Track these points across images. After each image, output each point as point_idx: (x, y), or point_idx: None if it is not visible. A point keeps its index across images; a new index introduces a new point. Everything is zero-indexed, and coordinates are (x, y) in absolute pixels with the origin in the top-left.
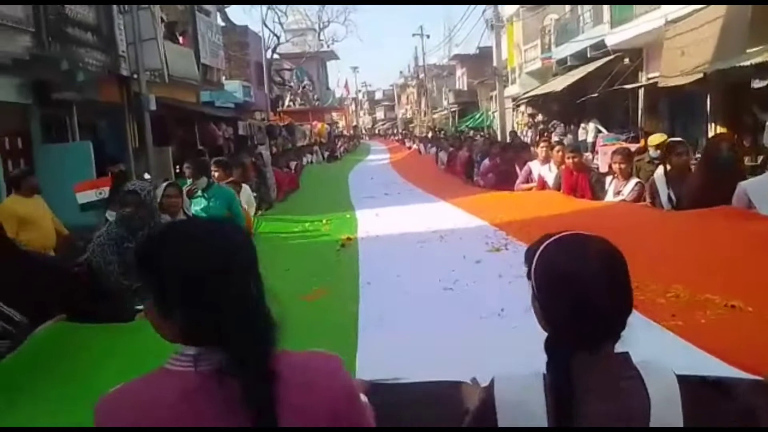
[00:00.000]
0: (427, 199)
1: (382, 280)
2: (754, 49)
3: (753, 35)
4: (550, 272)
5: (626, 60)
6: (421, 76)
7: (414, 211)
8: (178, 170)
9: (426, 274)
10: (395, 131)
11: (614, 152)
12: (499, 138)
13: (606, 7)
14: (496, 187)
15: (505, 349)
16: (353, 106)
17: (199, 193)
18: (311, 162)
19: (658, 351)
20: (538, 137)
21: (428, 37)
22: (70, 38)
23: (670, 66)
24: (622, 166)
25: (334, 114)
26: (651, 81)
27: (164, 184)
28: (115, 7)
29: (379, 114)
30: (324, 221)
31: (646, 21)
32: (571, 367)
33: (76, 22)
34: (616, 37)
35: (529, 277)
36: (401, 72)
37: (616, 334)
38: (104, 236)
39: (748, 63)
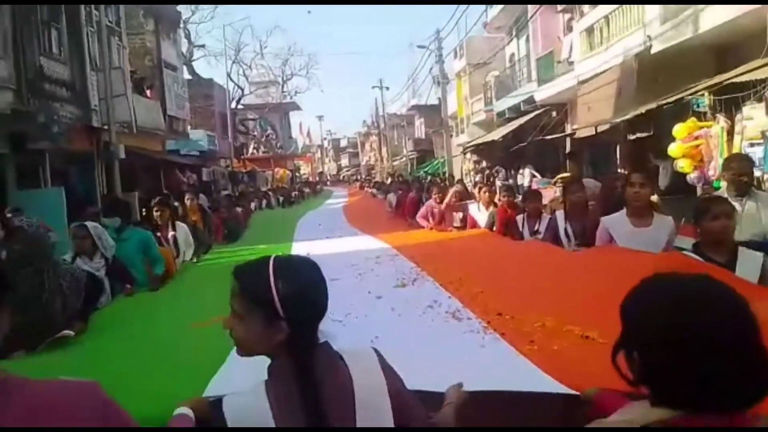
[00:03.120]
0: (363, 237)
1: None
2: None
3: (637, 97)
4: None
5: (554, 113)
6: (382, 125)
7: (344, 247)
8: (144, 214)
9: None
10: (359, 177)
11: (523, 195)
12: (447, 183)
13: (533, 67)
14: (435, 228)
15: None
16: (319, 154)
17: (114, 235)
18: (262, 207)
19: (507, 371)
20: (484, 182)
21: (387, 89)
22: (46, 94)
23: (582, 119)
24: (531, 205)
25: (300, 161)
26: (570, 133)
27: (72, 226)
28: (88, 65)
29: (344, 161)
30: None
31: (564, 80)
32: (311, 360)
33: (53, 80)
34: (542, 93)
35: None
36: (364, 121)
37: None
38: None
39: (619, 120)
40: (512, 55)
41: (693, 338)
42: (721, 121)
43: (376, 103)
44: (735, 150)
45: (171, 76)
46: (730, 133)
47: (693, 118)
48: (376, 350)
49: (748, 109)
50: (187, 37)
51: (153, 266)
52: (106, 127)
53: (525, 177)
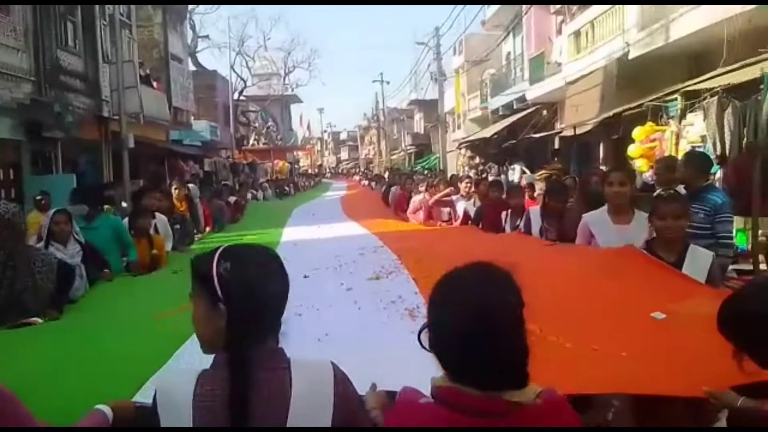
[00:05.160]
0: (353, 228)
1: None
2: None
3: (617, 99)
4: None
5: (544, 112)
6: (381, 119)
7: (333, 237)
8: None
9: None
10: (358, 170)
11: (507, 191)
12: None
13: (527, 66)
14: (424, 223)
15: None
16: (319, 146)
17: (83, 223)
18: (257, 198)
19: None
20: (468, 175)
21: (388, 83)
22: (62, 85)
23: (569, 119)
24: (514, 201)
25: (300, 153)
26: (557, 131)
27: (52, 211)
28: (101, 57)
29: (344, 154)
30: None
31: (553, 81)
32: (247, 357)
33: (68, 71)
34: (533, 92)
35: None
36: (365, 114)
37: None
38: None
39: (591, 124)
40: (509, 53)
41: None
42: (672, 125)
43: (377, 97)
44: (681, 152)
45: (177, 68)
46: (679, 136)
47: (651, 123)
48: (333, 364)
49: (691, 116)
50: (192, 28)
51: (126, 252)
52: (116, 117)
53: (515, 173)
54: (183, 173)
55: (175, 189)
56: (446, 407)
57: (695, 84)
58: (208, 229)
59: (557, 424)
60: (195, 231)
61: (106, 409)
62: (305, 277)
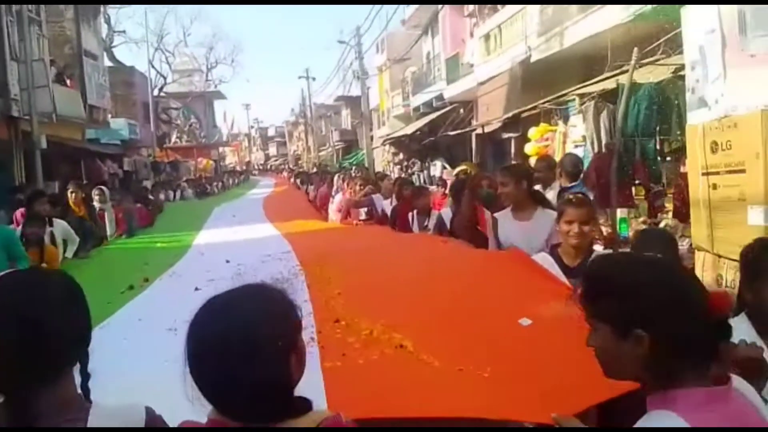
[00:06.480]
0: (268, 231)
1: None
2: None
3: (522, 99)
4: None
5: (461, 110)
6: (308, 115)
7: (242, 244)
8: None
9: (160, 312)
10: (287, 167)
11: (412, 191)
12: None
13: (443, 66)
14: (342, 221)
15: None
16: (246, 143)
17: None
18: (174, 198)
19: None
20: (401, 173)
21: (314, 79)
22: None
23: (481, 117)
24: (420, 201)
25: (226, 150)
26: (471, 129)
27: None
28: (8, 54)
29: (272, 150)
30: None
31: (468, 81)
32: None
33: None
34: (450, 91)
35: None
36: (292, 109)
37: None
38: None
39: (499, 123)
40: (428, 53)
41: None
42: (561, 126)
43: (303, 93)
44: (567, 150)
45: (91, 64)
46: (566, 136)
47: (544, 123)
48: (149, 411)
49: (574, 118)
50: (107, 22)
51: (17, 264)
52: (26, 117)
53: (437, 168)
54: (101, 173)
55: (72, 192)
56: None
57: (580, 89)
58: (118, 233)
59: None
60: (102, 236)
61: None
62: (196, 289)
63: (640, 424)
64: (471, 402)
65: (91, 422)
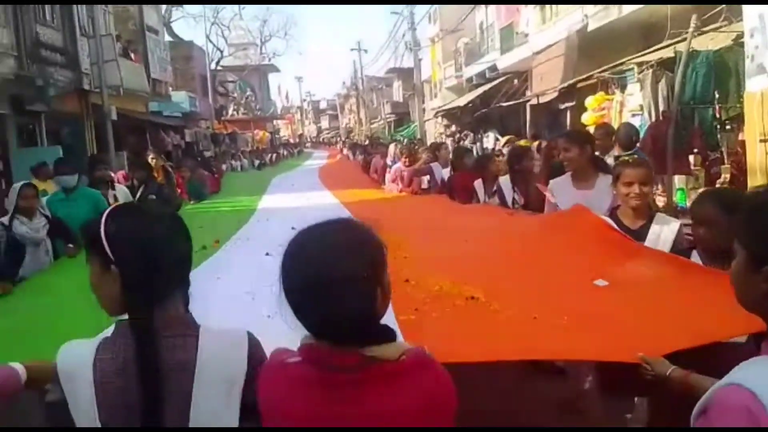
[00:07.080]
0: (327, 198)
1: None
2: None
3: (578, 69)
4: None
5: (515, 81)
6: (360, 88)
7: (302, 211)
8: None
9: (237, 275)
10: (339, 139)
11: (477, 160)
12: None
13: (497, 36)
14: (404, 190)
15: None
16: (299, 115)
17: (62, 195)
18: (235, 168)
19: None
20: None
21: (366, 51)
22: (43, 59)
23: (536, 88)
24: (486, 169)
25: (280, 122)
26: (526, 99)
27: (19, 185)
28: (78, 30)
29: (324, 123)
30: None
31: (522, 51)
32: (146, 322)
33: (48, 46)
34: (504, 62)
35: None
36: (344, 82)
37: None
38: None
39: (556, 92)
40: (481, 23)
41: None
42: (618, 95)
43: (354, 65)
44: (623, 119)
45: (153, 39)
46: (623, 105)
47: (602, 92)
48: (250, 335)
49: (631, 87)
50: None
51: None
52: (97, 90)
53: (490, 140)
54: (165, 144)
55: (152, 159)
56: (307, 364)
57: (637, 57)
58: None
59: (417, 379)
60: (177, 201)
61: (19, 366)
62: (267, 254)
63: (747, 364)
64: (550, 345)
65: (202, 339)
